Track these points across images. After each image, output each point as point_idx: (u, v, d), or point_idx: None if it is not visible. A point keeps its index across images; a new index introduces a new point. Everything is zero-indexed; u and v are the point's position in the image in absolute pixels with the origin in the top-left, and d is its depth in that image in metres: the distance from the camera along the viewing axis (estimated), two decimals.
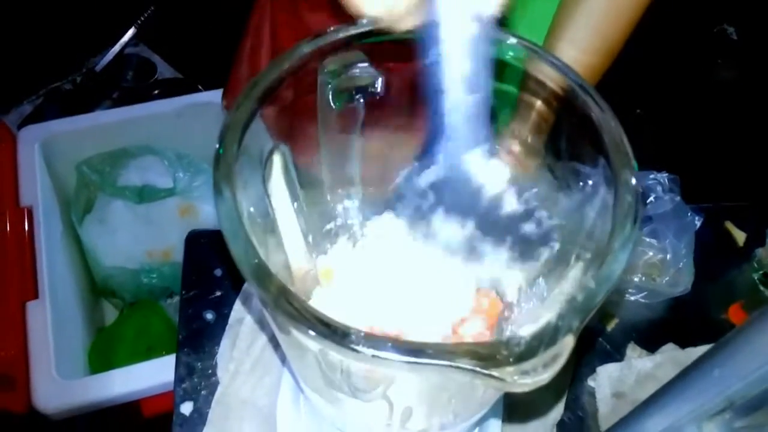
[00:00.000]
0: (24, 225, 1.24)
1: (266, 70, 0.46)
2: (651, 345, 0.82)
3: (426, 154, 0.47)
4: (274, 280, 0.35)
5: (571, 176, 0.48)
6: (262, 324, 0.78)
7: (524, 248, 0.49)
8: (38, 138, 1.36)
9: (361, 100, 0.51)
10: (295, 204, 0.52)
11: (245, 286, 0.82)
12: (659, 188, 0.85)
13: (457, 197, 0.47)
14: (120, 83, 1.80)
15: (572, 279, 0.43)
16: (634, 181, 0.40)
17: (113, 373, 1.10)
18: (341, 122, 0.52)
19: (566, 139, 0.51)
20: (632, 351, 0.81)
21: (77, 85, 1.76)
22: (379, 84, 0.50)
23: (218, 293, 0.83)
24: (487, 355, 0.32)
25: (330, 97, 0.49)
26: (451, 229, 0.49)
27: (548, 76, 0.49)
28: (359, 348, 0.32)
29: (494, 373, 0.32)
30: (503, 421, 0.71)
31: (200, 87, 1.74)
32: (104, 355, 1.32)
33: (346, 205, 0.60)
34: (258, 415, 0.72)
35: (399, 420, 0.50)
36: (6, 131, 1.34)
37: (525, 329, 0.33)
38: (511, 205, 0.47)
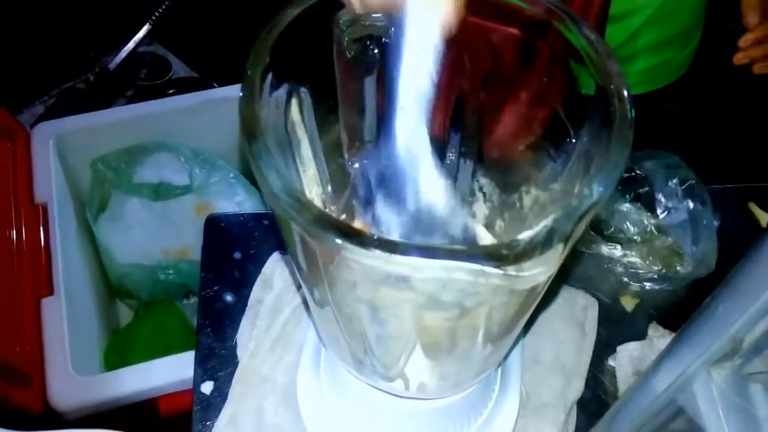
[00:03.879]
0: (38, 222, 1.23)
1: (281, 15, 0.46)
2: (673, 325, 0.80)
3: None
4: (310, 204, 0.37)
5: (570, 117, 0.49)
6: (281, 304, 0.78)
7: None
8: (52, 135, 1.35)
9: (375, 50, 0.51)
10: (313, 151, 0.52)
11: (264, 267, 0.83)
12: (674, 199, 0.84)
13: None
14: (134, 82, 1.78)
15: None
16: (626, 92, 0.42)
17: (130, 369, 1.09)
18: (356, 72, 0.52)
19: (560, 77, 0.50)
20: (654, 331, 0.80)
21: (90, 84, 1.74)
22: (393, 33, 0.49)
23: (237, 275, 0.83)
24: (491, 254, 0.35)
25: (344, 46, 0.49)
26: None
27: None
28: (376, 251, 0.35)
29: (497, 270, 0.35)
30: (522, 399, 0.71)
31: (215, 85, 1.72)
32: (120, 355, 1.30)
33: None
34: (277, 392, 0.72)
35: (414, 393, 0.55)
36: (20, 128, 1.33)
37: (524, 234, 0.35)
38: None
